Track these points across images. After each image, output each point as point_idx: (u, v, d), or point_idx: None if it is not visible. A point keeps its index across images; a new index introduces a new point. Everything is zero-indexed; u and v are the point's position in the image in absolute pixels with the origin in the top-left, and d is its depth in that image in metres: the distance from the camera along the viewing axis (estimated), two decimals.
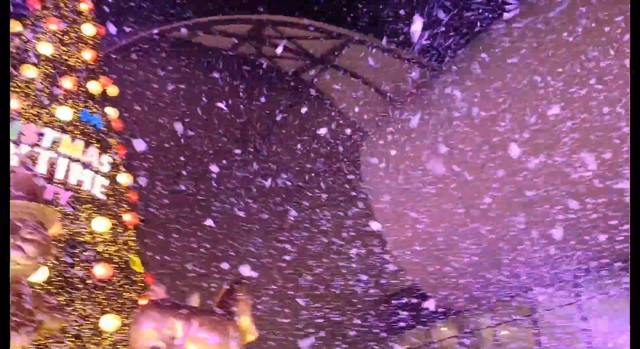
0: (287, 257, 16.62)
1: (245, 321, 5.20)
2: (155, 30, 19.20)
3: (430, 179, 14.23)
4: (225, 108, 17.61)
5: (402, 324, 16.83)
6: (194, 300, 5.17)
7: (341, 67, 21.70)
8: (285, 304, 16.29)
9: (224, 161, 17.75)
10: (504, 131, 12.74)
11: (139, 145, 9.70)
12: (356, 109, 21.23)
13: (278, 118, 20.83)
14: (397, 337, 18.56)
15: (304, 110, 19.79)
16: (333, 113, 21.33)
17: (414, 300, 15.53)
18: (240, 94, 20.06)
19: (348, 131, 19.26)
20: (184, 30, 19.54)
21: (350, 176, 18.20)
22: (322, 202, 18.11)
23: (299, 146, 19.27)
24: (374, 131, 18.87)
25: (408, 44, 18.70)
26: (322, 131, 16.73)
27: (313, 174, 18.63)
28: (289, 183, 18.03)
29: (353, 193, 17.71)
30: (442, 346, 18.07)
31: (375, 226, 15.32)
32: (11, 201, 4.60)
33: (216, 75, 19.02)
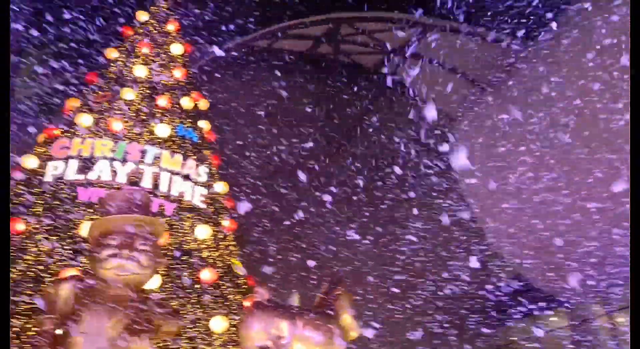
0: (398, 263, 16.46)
1: (346, 318, 5.26)
2: (235, 42, 19.96)
3: (528, 169, 13.51)
4: (312, 110, 17.90)
5: (511, 311, 16.19)
6: (294, 300, 5.32)
7: (422, 55, 21.25)
8: (393, 300, 16.20)
9: (312, 164, 18.00)
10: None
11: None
12: (442, 98, 20.68)
13: (364, 116, 20.78)
14: (503, 327, 17.88)
15: (388, 104, 19.61)
16: (418, 104, 20.90)
17: (523, 289, 14.90)
18: (324, 94, 20.28)
19: (434, 121, 18.80)
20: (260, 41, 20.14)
21: (440, 168, 17.79)
22: (413, 198, 17.81)
23: (384, 141, 19.12)
24: (462, 120, 18.31)
25: (491, 27, 17.93)
26: (410, 123, 16.48)
27: (404, 170, 18.37)
28: (379, 183, 17.91)
29: (446, 187, 17.27)
30: (554, 336, 17.17)
31: (468, 216, 14.85)
32: (124, 216, 5.00)
33: (299, 79, 19.41)
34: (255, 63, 20.37)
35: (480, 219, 16.03)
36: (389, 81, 21.07)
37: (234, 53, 20.10)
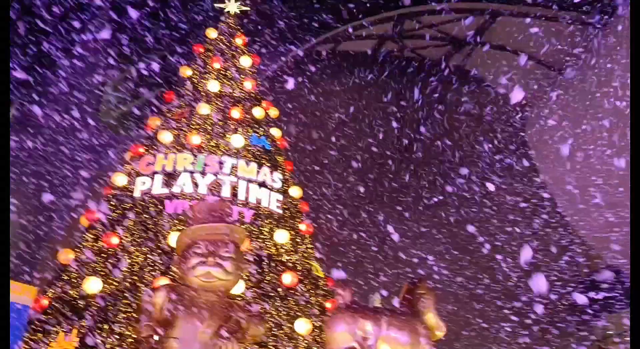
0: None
1: (431, 317, 5.21)
2: (300, 48, 20.24)
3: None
4: (394, 108, 17.77)
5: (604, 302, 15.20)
6: (376, 300, 5.36)
7: (492, 43, 20.48)
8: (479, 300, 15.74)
9: (390, 164, 17.84)
10: None
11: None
12: (516, 84, 19.80)
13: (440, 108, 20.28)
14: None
15: (463, 96, 19.09)
16: (493, 93, 20.17)
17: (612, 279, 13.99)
18: (396, 92, 20.06)
19: (511, 108, 18.07)
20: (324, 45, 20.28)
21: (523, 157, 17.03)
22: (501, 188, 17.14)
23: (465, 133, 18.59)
24: (540, 104, 17.47)
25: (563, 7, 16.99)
26: (486, 113, 15.96)
27: (490, 162, 17.76)
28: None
29: (531, 177, 16.51)
30: None
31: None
32: (208, 225, 5.22)
33: (368, 78, 19.35)
34: (322, 67, 20.54)
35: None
36: (456, 71, 20.51)
37: (300, 59, 20.40)
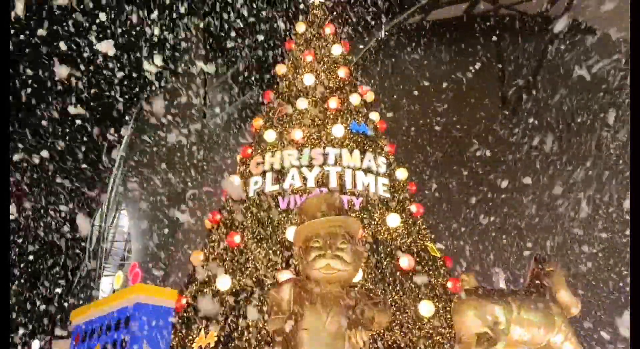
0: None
1: (564, 295, 4.95)
2: (389, 24, 19.84)
3: None
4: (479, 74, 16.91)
5: None
6: (500, 280, 5.17)
7: None
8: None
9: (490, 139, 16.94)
10: None
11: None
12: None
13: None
14: None
15: (566, 52, 17.56)
16: (602, 44, 18.31)
17: None
18: (493, 54, 18.99)
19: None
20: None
21: None
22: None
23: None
24: None
25: None
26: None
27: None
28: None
29: None
30: None
31: None
32: (321, 219, 5.33)
33: (461, 45, 18.52)
34: (413, 40, 19.95)
35: None
36: (559, 25, 18.79)
37: (390, 36, 20.00)
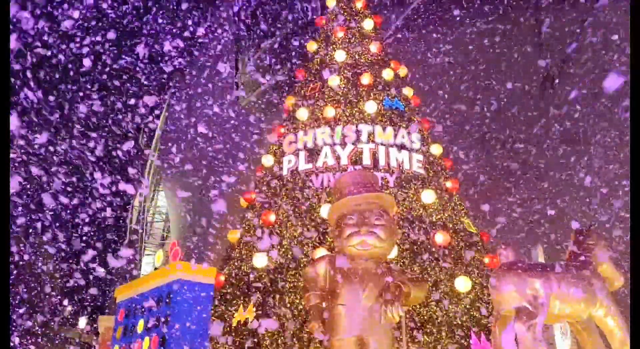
0: None
1: (607, 268, 4.83)
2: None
3: None
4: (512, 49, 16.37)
5: None
6: (539, 254, 5.08)
7: None
8: None
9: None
10: None
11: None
12: None
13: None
14: None
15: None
16: None
17: None
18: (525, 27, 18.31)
19: None
20: None
21: None
22: None
23: None
24: None
25: None
26: None
27: None
28: None
29: None
30: None
31: None
32: (356, 196, 5.31)
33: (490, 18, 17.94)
34: (441, 13, 19.38)
35: None
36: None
37: (418, 10, 19.50)
